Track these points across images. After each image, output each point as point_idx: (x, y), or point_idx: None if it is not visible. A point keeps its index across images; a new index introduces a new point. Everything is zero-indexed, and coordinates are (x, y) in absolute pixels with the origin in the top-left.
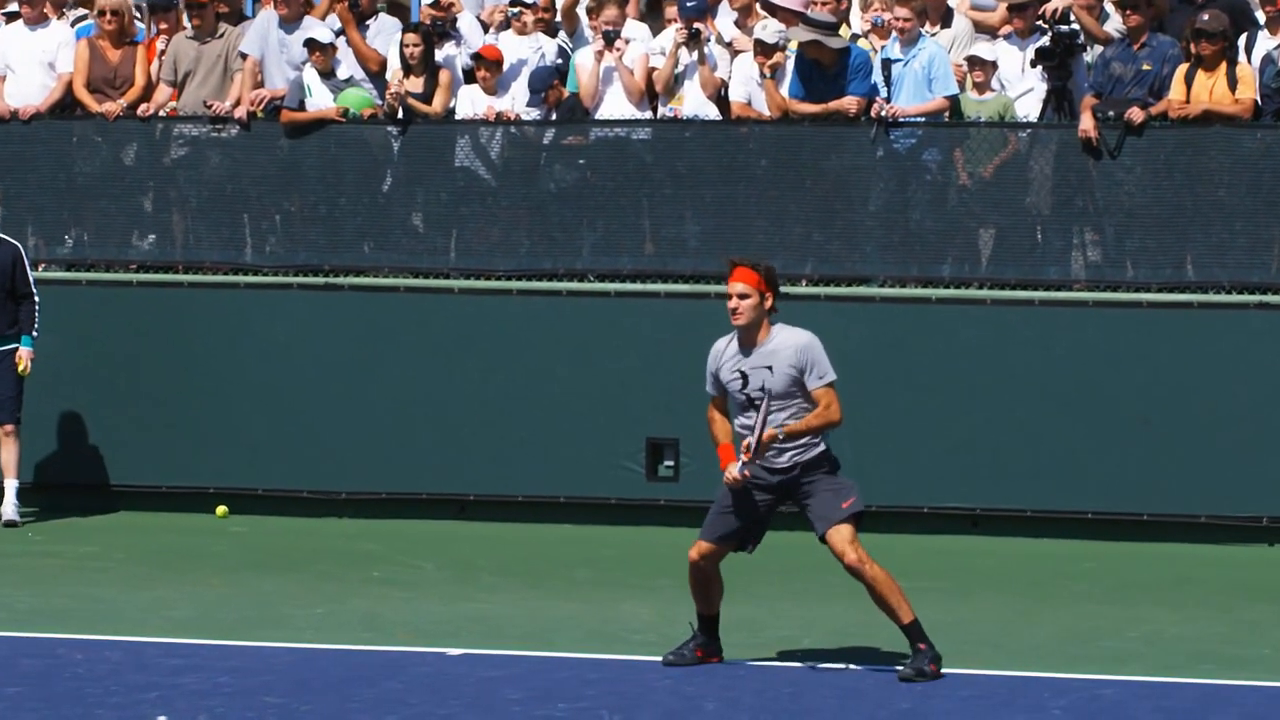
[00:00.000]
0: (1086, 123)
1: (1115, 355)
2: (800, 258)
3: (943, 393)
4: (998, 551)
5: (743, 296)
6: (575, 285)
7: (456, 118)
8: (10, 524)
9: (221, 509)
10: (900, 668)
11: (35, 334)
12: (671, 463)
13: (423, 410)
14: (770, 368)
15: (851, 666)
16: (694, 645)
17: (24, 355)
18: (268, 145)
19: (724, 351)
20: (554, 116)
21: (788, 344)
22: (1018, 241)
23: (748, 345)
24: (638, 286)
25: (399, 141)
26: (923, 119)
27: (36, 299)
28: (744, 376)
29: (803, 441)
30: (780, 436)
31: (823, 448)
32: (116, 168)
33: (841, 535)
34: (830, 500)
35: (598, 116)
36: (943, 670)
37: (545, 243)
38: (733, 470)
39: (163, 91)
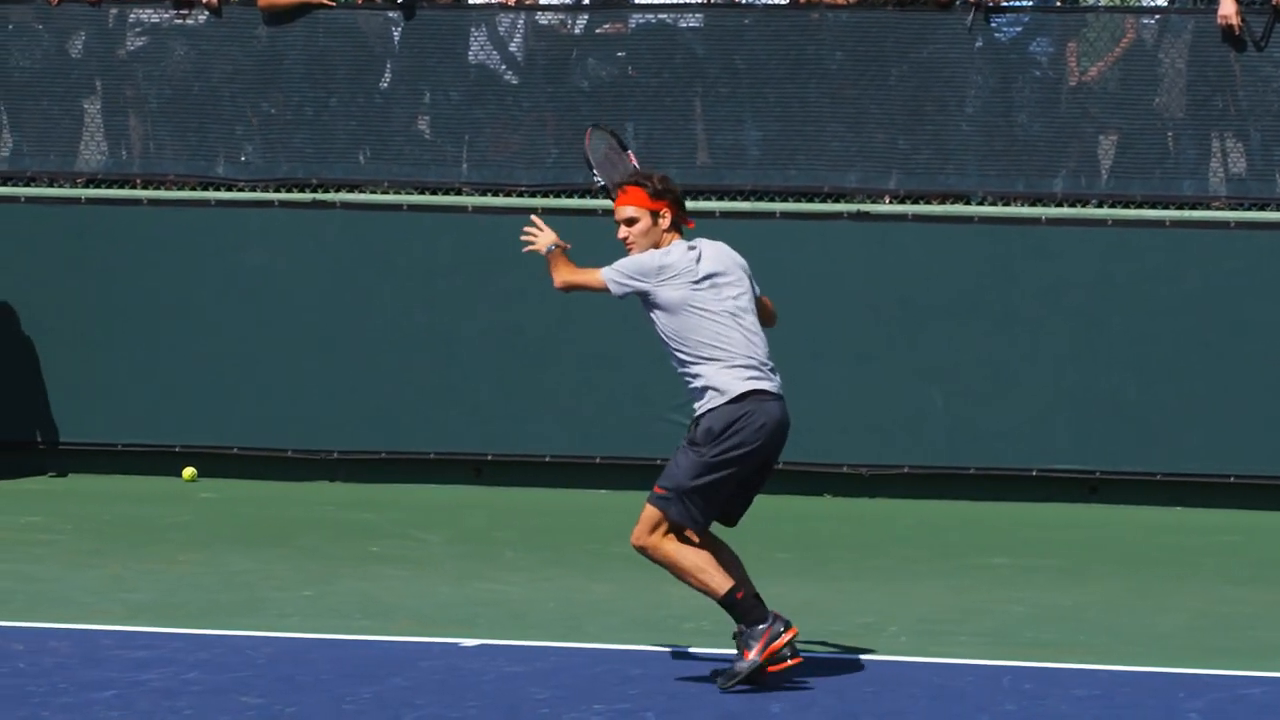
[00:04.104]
0: (1227, 7)
1: (1263, 286)
2: (883, 170)
3: (1055, 332)
4: (1121, 523)
5: (630, 222)
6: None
7: (470, 2)
8: None
9: (189, 471)
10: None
11: None
12: None
13: (431, 354)
14: None
15: (943, 659)
16: None
17: None
18: (243, 35)
19: None
20: (587, 0)
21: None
22: (1144, 151)
23: None
24: (688, 204)
25: (400, 30)
26: (1030, 3)
27: None
28: None
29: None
30: (546, 251)
31: (704, 410)
32: (61, 62)
33: (643, 513)
34: (663, 470)
35: (639, 0)
36: (777, 655)
37: (576, 152)
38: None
39: None
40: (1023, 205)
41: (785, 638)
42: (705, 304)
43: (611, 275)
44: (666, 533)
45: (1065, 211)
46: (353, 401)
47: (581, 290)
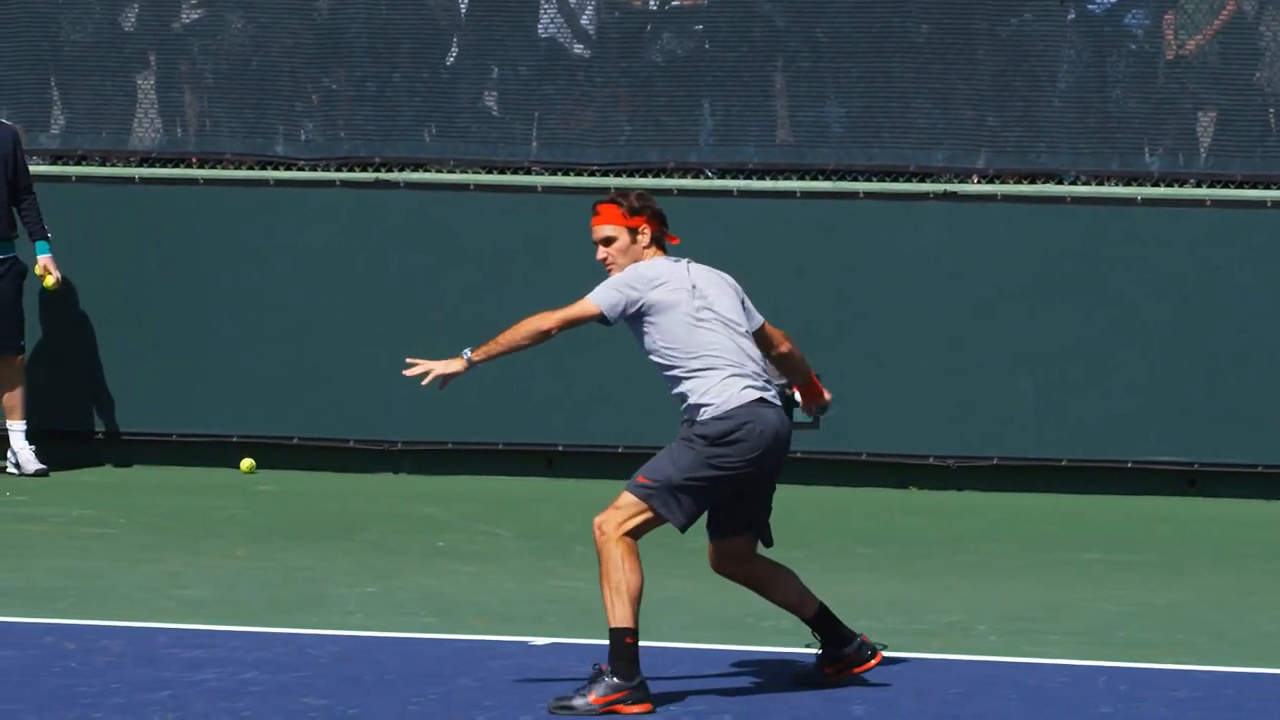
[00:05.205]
0: None
1: None
2: (971, 148)
3: (1150, 317)
4: (1220, 517)
5: (608, 241)
6: (689, 183)
7: None
8: (41, 473)
9: (247, 462)
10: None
11: (50, 236)
12: None
13: None
14: None
15: (1035, 659)
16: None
17: (49, 265)
18: (302, 7)
19: None
20: None
21: None
22: (1245, 128)
23: None
24: (767, 184)
25: (467, 2)
26: None
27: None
28: None
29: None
30: (467, 362)
31: (701, 419)
32: (114, 35)
33: (619, 497)
34: (648, 463)
35: None
36: (623, 708)
37: (651, 129)
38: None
39: None
40: (1117, 185)
41: (632, 708)
42: (697, 311)
43: (601, 295)
44: (629, 533)
45: (1161, 191)
46: (418, 390)
47: (574, 325)
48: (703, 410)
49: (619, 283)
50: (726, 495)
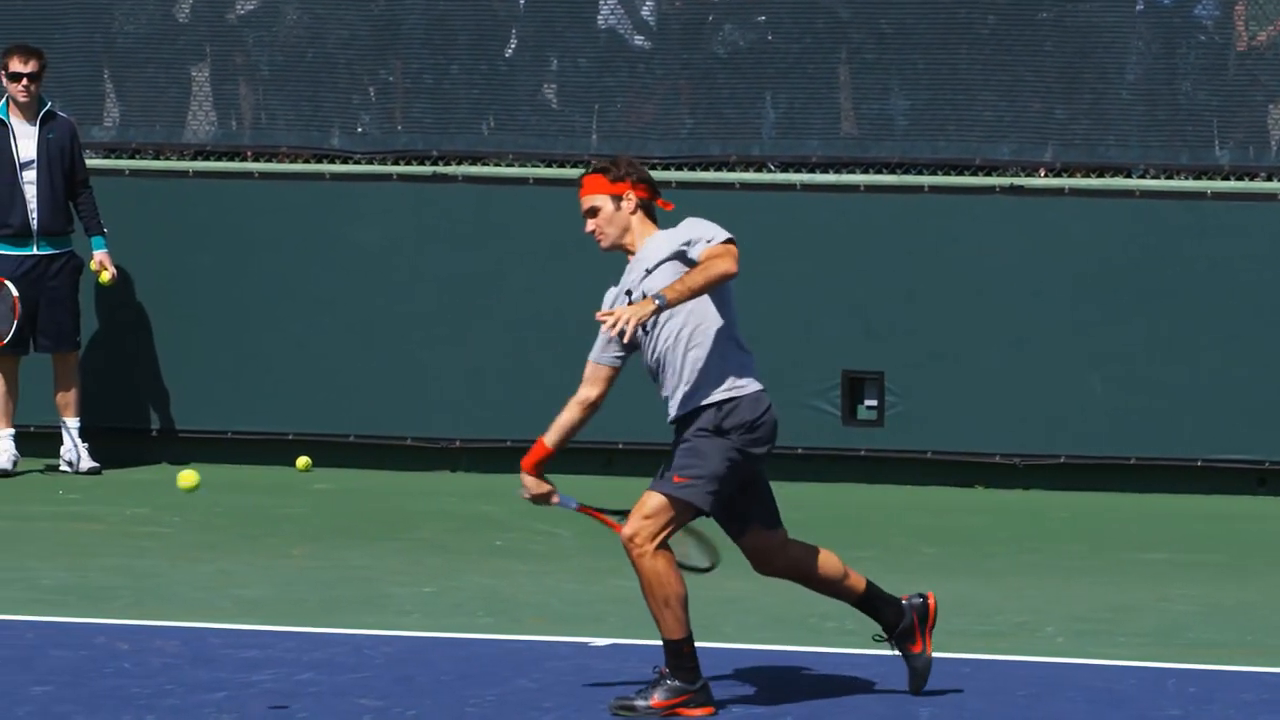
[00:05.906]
0: None
1: None
2: (1039, 141)
3: (1221, 313)
4: None
5: (593, 212)
6: (751, 176)
7: None
8: (94, 471)
9: (303, 460)
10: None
11: (106, 231)
12: (875, 403)
13: (558, 336)
14: (648, 271)
15: (1103, 661)
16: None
17: (105, 261)
18: None
19: (613, 293)
20: None
21: (661, 235)
22: None
23: (628, 260)
24: (831, 178)
25: None
26: None
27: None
28: (629, 298)
29: (679, 390)
30: (659, 305)
31: (731, 396)
32: (168, 27)
33: (644, 504)
34: (673, 464)
35: None
36: (686, 711)
37: (713, 122)
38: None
39: None
40: (1186, 179)
41: (694, 711)
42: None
43: (719, 228)
44: (663, 541)
45: (1232, 185)
46: (476, 387)
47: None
48: (735, 384)
49: (711, 225)
50: (736, 484)
